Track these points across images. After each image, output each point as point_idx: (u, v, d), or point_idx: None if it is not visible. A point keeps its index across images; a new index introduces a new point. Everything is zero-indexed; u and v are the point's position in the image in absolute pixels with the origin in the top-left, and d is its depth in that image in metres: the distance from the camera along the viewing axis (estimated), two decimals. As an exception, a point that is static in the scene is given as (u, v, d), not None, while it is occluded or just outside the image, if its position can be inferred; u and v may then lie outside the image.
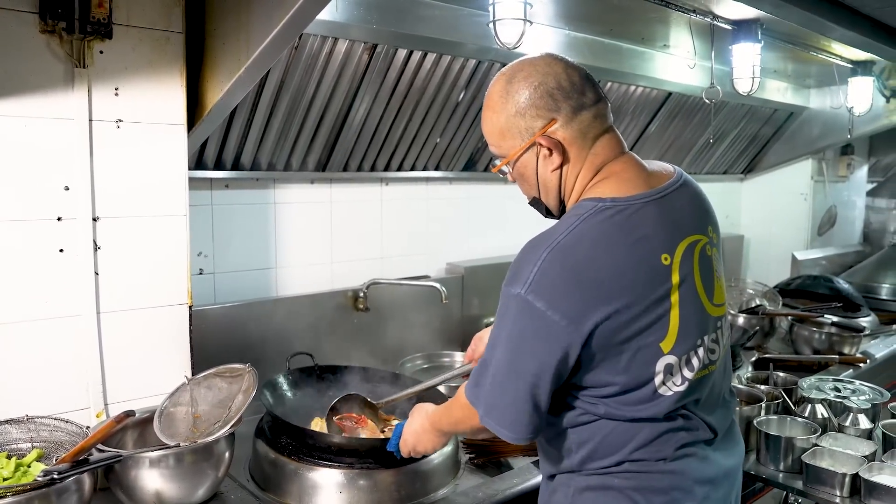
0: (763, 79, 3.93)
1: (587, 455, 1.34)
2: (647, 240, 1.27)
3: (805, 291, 3.98)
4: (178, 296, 1.86)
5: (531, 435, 1.32)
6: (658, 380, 1.28)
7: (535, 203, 1.47)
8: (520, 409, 1.29)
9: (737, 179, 4.93)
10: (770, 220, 4.90)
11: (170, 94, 1.78)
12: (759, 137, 4.57)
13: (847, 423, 2.03)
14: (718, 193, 4.81)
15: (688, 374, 1.30)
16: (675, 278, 1.28)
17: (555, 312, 1.22)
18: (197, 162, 2.22)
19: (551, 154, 1.34)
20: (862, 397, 2.12)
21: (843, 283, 3.99)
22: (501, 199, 3.17)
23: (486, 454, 1.98)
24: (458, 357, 2.65)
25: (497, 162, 1.42)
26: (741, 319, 3.28)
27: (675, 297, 1.28)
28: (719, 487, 1.37)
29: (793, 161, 4.80)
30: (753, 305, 3.50)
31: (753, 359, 2.93)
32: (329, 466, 1.74)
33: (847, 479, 1.74)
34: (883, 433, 1.95)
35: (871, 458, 1.82)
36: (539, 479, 1.82)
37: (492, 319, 2.95)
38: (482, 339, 1.78)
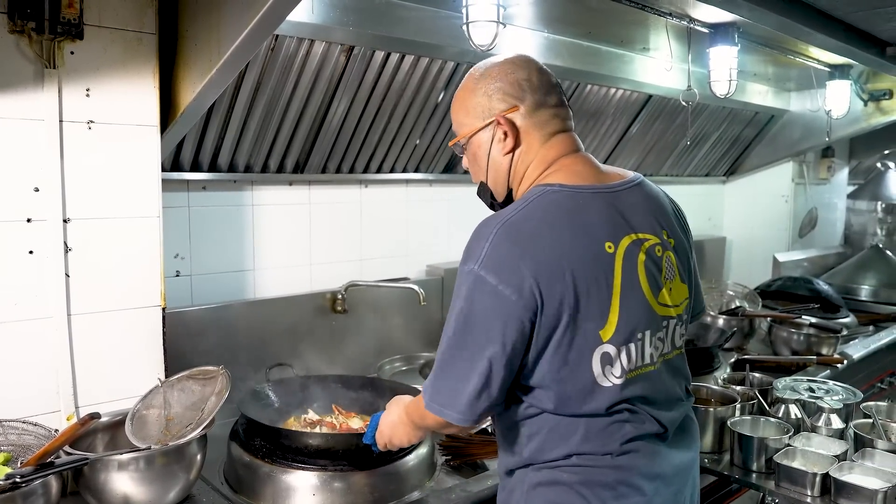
0: (744, 82, 3.97)
1: (537, 448, 1.35)
2: (592, 226, 1.31)
3: (785, 293, 4.01)
4: (152, 298, 1.85)
5: (475, 417, 1.32)
6: (597, 369, 1.29)
7: (482, 190, 1.53)
8: (465, 388, 1.29)
9: (719, 182, 4.96)
10: (752, 222, 4.93)
11: (142, 95, 1.77)
12: (740, 140, 4.60)
13: (820, 424, 2.04)
14: (701, 195, 4.84)
15: (626, 365, 1.31)
16: (618, 268, 1.31)
17: (506, 287, 1.24)
18: (173, 163, 2.22)
19: (506, 137, 1.41)
20: (835, 397, 2.13)
21: (822, 285, 4.02)
22: (481, 202, 3.17)
23: (461, 456, 1.98)
24: (437, 359, 2.65)
25: (455, 136, 1.50)
26: (721, 321, 3.30)
27: (616, 287, 1.30)
28: (670, 484, 1.38)
29: (774, 163, 4.83)
30: (733, 307, 3.52)
31: (732, 360, 2.94)
32: (303, 468, 1.74)
33: (818, 479, 1.75)
34: (855, 433, 1.97)
35: (842, 457, 1.83)
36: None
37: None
38: None
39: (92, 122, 1.71)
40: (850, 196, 5.63)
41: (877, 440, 1.90)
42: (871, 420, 1.99)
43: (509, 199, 1.48)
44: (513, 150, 1.42)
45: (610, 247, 1.31)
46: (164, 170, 2.04)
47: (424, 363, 2.66)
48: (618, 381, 1.31)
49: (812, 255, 5.02)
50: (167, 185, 2.06)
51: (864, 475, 1.75)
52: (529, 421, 1.36)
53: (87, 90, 1.69)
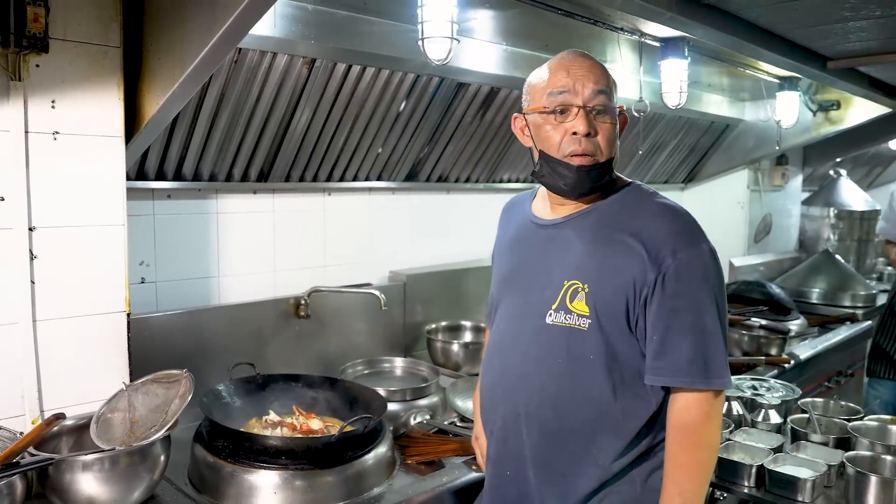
0: (699, 92, 4.11)
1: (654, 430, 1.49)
2: None
3: (740, 296, 4.15)
4: (117, 303, 1.90)
5: None
6: None
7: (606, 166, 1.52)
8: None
9: (678, 188, 5.10)
10: (709, 228, 4.88)
11: (107, 107, 1.82)
12: (698, 148, 4.75)
13: (759, 419, 2.15)
14: (660, 202, 4.97)
15: None
16: None
17: None
18: (138, 173, 2.26)
19: (624, 125, 1.58)
20: (775, 394, 2.25)
21: (775, 288, 4.17)
22: (444, 209, 3.27)
23: (419, 454, 2.05)
24: (398, 362, 2.72)
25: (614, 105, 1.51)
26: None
27: None
28: None
29: (730, 171, 4.99)
30: (688, 310, 3.64)
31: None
32: (265, 468, 1.79)
33: (753, 470, 1.86)
34: (791, 427, 2.08)
35: (778, 450, 1.94)
36: (470, 475, 1.91)
37: (434, 326, 3.03)
38: None
39: (57, 132, 1.75)
40: (805, 202, 5.83)
41: (811, 434, 2.01)
42: (807, 415, 2.10)
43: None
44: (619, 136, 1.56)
45: None
46: (129, 179, 2.08)
47: (386, 368, 2.73)
48: None
49: (768, 260, 5.19)
50: (132, 193, 2.11)
51: (796, 466, 1.86)
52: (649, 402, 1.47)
53: (53, 102, 1.74)
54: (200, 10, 1.62)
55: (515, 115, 1.60)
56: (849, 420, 2.06)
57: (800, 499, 1.77)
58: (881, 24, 2.25)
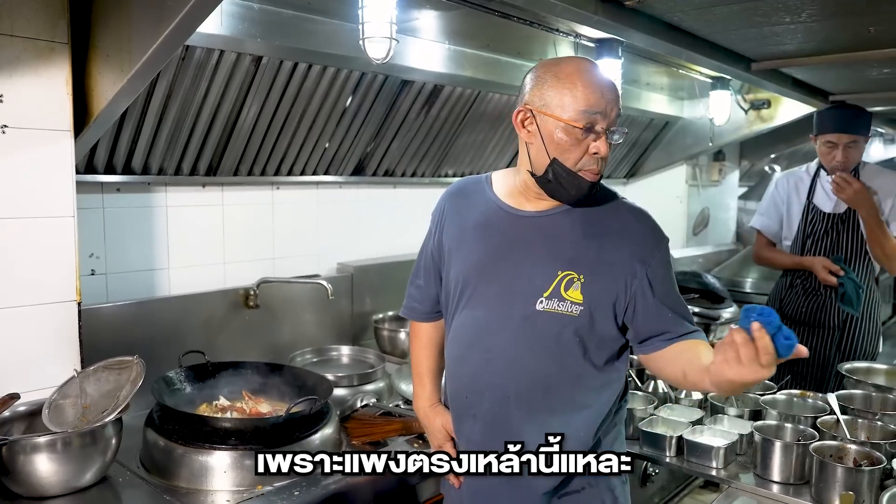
0: (639, 90, 4.29)
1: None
2: None
3: (678, 286, 4.34)
4: (67, 293, 1.95)
5: None
6: None
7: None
8: None
9: (621, 183, 5.28)
10: (650, 222, 5.26)
11: (56, 102, 1.87)
12: (639, 144, 4.93)
13: (682, 396, 2.31)
14: (603, 196, 5.14)
15: None
16: None
17: None
18: (87, 166, 2.31)
19: None
20: (699, 373, 2.41)
21: (710, 279, 4.38)
22: (391, 202, 3.37)
23: (364, 435, 2.15)
24: (345, 350, 2.82)
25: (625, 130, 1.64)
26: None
27: None
28: None
29: (670, 166, 5.20)
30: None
31: (621, 346, 3.22)
32: (215, 449, 1.86)
33: (674, 441, 2.01)
34: (711, 402, 2.24)
35: (697, 423, 2.10)
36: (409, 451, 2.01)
37: (381, 316, 3.12)
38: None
39: (6, 126, 1.80)
40: (741, 197, 6.10)
41: (728, 408, 2.18)
42: (726, 392, 2.27)
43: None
44: None
45: None
46: (78, 172, 2.14)
47: (334, 356, 2.83)
48: None
49: (706, 252, 5.43)
50: (81, 187, 2.16)
51: (712, 436, 2.01)
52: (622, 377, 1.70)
53: (1, 96, 1.78)
54: (148, 9, 1.68)
55: (522, 108, 1.59)
56: (762, 394, 2.23)
57: (714, 464, 1.93)
58: (792, 30, 2.42)
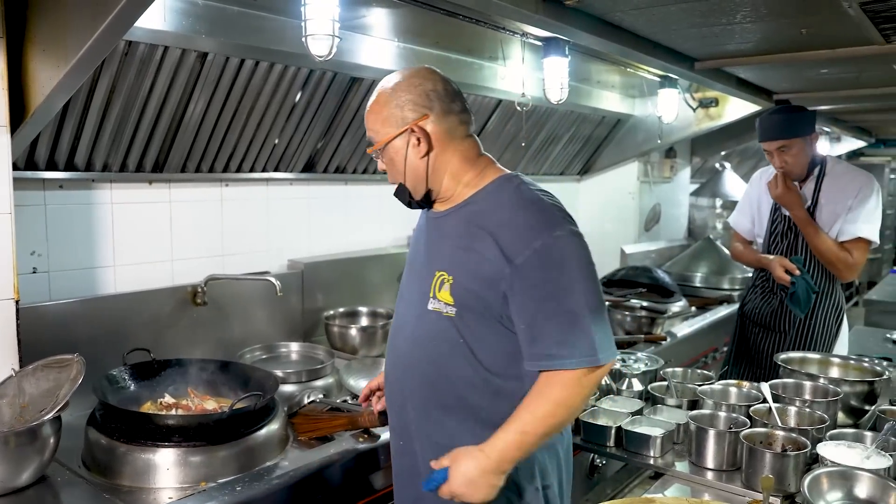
0: (590, 88, 4.36)
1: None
2: None
3: (628, 281, 4.42)
4: (4, 291, 1.91)
5: None
6: None
7: (400, 191, 1.71)
8: (610, 329, 1.55)
9: (574, 180, 5.36)
10: (603, 218, 5.36)
11: (-10, 97, 1.84)
12: (591, 141, 5.01)
13: (624, 387, 2.37)
14: (557, 193, 5.19)
15: None
16: None
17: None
18: (27, 162, 2.27)
19: (419, 143, 1.61)
20: (641, 365, 2.47)
21: (660, 273, 4.46)
22: (342, 199, 3.37)
23: (311, 430, 2.16)
24: (295, 347, 2.82)
25: (373, 144, 1.68)
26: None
27: None
28: None
29: (622, 163, 5.29)
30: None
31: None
32: (159, 447, 1.86)
33: (613, 432, 2.06)
34: (651, 394, 2.30)
35: (637, 413, 2.16)
36: (358, 447, 2.03)
37: (332, 312, 3.12)
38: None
39: (-62, 122, 1.77)
40: (693, 193, 6.22)
41: (668, 398, 2.24)
42: (666, 382, 2.33)
43: (427, 197, 1.69)
44: (427, 153, 1.62)
45: None
46: (17, 168, 2.11)
47: (283, 353, 2.83)
48: None
49: (659, 247, 5.53)
50: (21, 183, 2.13)
51: (650, 426, 2.07)
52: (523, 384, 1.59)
53: (-67, 91, 1.75)
54: (84, 3, 1.66)
55: None
56: (700, 385, 2.30)
57: (651, 454, 1.99)
58: (729, 31, 2.49)
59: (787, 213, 3.00)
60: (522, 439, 1.49)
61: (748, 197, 3.29)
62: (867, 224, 2.84)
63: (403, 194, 1.70)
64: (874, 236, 2.87)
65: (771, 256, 3.03)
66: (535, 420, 1.49)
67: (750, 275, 3.40)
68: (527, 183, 1.64)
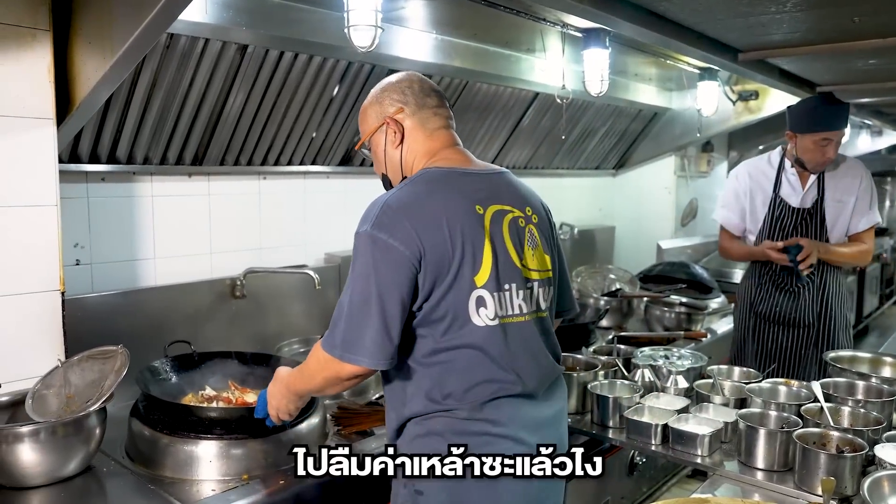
0: (627, 81, 4.29)
1: (417, 402, 1.57)
2: (463, 192, 1.59)
3: (665, 277, 4.37)
4: (51, 282, 1.93)
5: (388, 362, 1.53)
6: (472, 309, 1.53)
7: (384, 180, 1.80)
8: (375, 337, 1.50)
9: (609, 175, 5.29)
10: (639, 213, 5.30)
11: (37, 89, 1.85)
12: (627, 135, 4.94)
13: (668, 385, 2.32)
14: (593, 188, 5.15)
15: (498, 310, 1.56)
16: (487, 225, 1.57)
17: (395, 241, 1.49)
18: (71, 155, 2.29)
19: (395, 135, 1.69)
20: (684, 362, 2.42)
21: (698, 269, 4.40)
22: (378, 193, 3.32)
23: (351, 424, 2.15)
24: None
25: (360, 139, 1.80)
26: (601, 301, 3.60)
27: (487, 240, 1.56)
28: (534, 433, 1.60)
29: (658, 157, 5.21)
30: (614, 289, 3.84)
31: (610, 336, 3.24)
32: (201, 439, 1.86)
33: (659, 429, 2.02)
34: (696, 391, 2.25)
35: (683, 411, 2.11)
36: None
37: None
38: None
39: (-13, 114, 1.78)
40: (730, 188, 6.11)
41: (714, 396, 2.19)
42: (712, 380, 2.28)
43: None
44: (401, 143, 1.70)
45: (479, 209, 1.59)
46: (61, 161, 2.12)
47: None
48: (491, 323, 1.55)
49: (694, 243, 5.44)
50: (65, 176, 2.14)
51: (697, 424, 2.02)
52: (414, 375, 1.58)
53: (-18, 84, 1.77)
54: (129, -3, 1.67)
55: None
56: (748, 383, 2.24)
57: (699, 452, 1.94)
58: (777, 20, 2.42)
59: (793, 207, 3.02)
60: (295, 380, 1.74)
61: (734, 192, 3.18)
62: (874, 211, 3.01)
63: (387, 184, 1.79)
64: (880, 218, 3.06)
65: (756, 247, 3.05)
66: (301, 373, 1.72)
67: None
68: (413, 180, 1.62)
